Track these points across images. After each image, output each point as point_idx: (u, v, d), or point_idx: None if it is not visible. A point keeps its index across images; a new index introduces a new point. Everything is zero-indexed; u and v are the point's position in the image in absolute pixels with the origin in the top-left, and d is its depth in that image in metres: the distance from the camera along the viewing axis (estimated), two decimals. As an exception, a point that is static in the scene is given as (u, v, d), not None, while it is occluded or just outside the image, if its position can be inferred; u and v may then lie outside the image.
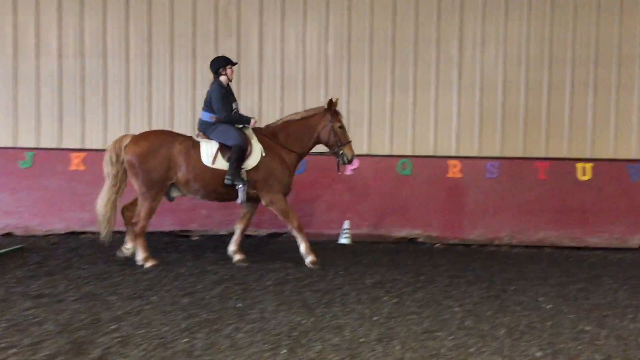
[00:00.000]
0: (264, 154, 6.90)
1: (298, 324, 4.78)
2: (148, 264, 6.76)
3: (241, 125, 7.03)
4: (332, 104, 7.06)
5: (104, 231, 6.89)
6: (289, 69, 9.12)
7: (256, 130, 7.09)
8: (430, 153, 9.09)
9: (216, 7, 9.08)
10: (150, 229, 7.06)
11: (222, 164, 6.80)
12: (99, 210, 6.86)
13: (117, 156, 6.87)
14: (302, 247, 6.96)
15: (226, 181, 6.73)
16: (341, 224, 8.78)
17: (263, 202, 7.00)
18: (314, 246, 7.09)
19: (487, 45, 9.05)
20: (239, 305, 5.29)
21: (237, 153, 6.73)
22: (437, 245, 8.88)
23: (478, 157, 9.07)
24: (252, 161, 6.85)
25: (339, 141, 7.05)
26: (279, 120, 7.33)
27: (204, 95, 7.15)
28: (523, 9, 8.96)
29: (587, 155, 8.97)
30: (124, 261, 6.91)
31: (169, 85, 9.11)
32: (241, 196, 6.83)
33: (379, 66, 9.10)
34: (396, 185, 9.02)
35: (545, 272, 7.13)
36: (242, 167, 6.80)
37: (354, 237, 8.75)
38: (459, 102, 9.08)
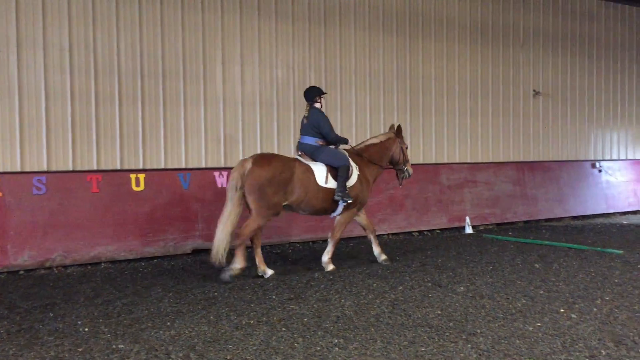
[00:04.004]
0: (358, 173, 7.78)
1: None
2: (227, 275, 7.03)
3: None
4: (399, 129, 8.38)
5: (222, 255, 6.93)
6: None
7: (347, 151, 7.89)
8: (-39, 170, 7.75)
9: None
10: None
11: (332, 183, 7.49)
12: (220, 236, 6.94)
13: (242, 182, 7.02)
14: (327, 257, 7.77)
15: (336, 197, 7.44)
16: None
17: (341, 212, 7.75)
18: None
19: (25, 50, 8.21)
20: None
21: (346, 172, 7.51)
22: (-26, 277, 7.59)
23: (22, 172, 8.15)
24: (352, 180, 7.66)
25: (405, 159, 8.43)
26: (361, 143, 8.29)
27: None
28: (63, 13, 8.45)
29: (140, 166, 9.03)
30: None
31: None
32: (339, 210, 7.64)
33: None
34: None
35: (95, 291, 6.76)
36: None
37: None
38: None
